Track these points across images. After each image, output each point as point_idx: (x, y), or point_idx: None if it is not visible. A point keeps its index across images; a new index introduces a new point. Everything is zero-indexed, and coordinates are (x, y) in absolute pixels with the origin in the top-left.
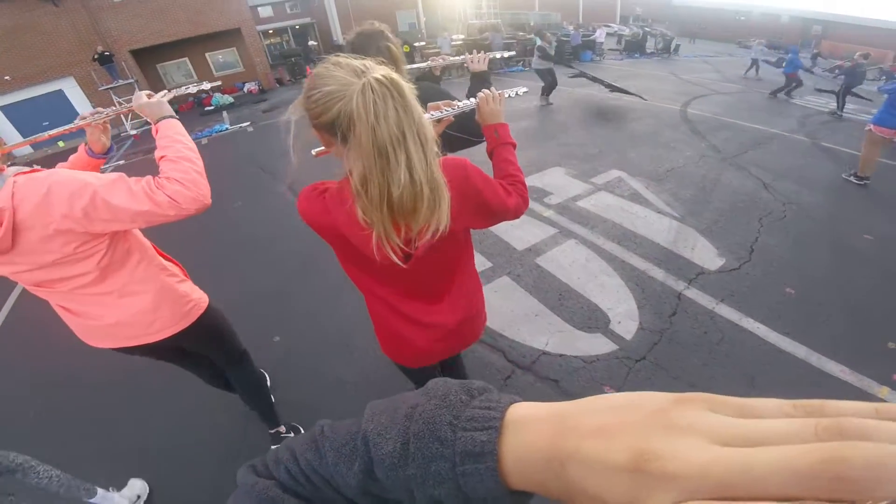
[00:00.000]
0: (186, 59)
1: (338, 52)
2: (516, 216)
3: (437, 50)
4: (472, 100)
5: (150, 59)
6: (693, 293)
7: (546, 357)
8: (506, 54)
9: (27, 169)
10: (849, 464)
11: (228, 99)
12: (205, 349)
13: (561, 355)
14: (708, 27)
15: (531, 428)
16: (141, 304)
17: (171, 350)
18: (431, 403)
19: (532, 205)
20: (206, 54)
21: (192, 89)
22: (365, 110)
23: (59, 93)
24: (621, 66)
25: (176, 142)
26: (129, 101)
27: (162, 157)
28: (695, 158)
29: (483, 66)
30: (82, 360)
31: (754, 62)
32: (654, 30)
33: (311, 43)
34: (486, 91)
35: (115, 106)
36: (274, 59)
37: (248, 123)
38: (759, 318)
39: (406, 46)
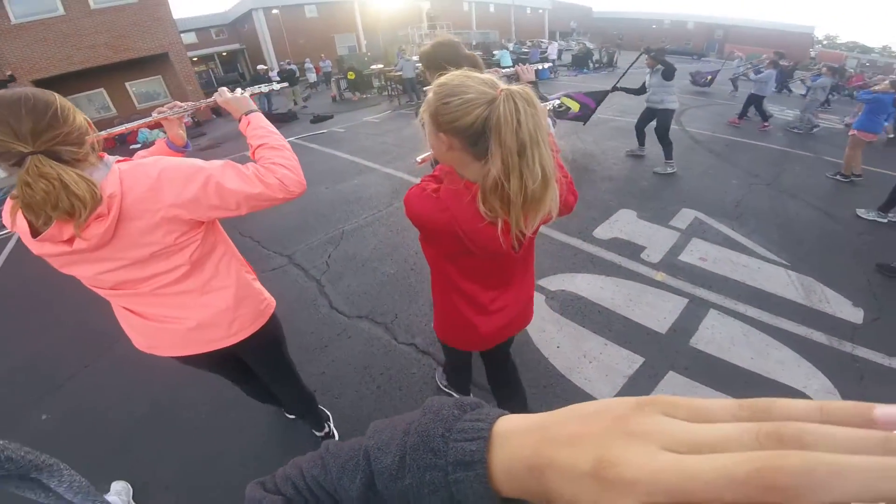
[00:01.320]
0: (102, 89)
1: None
2: (569, 211)
3: (399, 74)
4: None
5: (59, 90)
6: (862, 352)
7: None
8: (545, 65)
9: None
10: (780, 472)
11: (158, 134)
12: (264, 356)
13: None
14: (626, 37)
15: (516, 439)
16: (224, 301)
17: (229, 358)
18: (426, 418)
19: (632, 265)
20: (126, 84)
21: (265, 89)
22: (510, 115)
23: None
24: (575, 81)
25: (272, 132)
26: (209, 95)
27: (261, 144)
28: (745, 188)
29: (532, 77)
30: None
31: (736, 78)
32: (580, 42)
33: (259, 67)
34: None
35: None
36: (203, 87)
37: None
38: None
39: (351, 73)
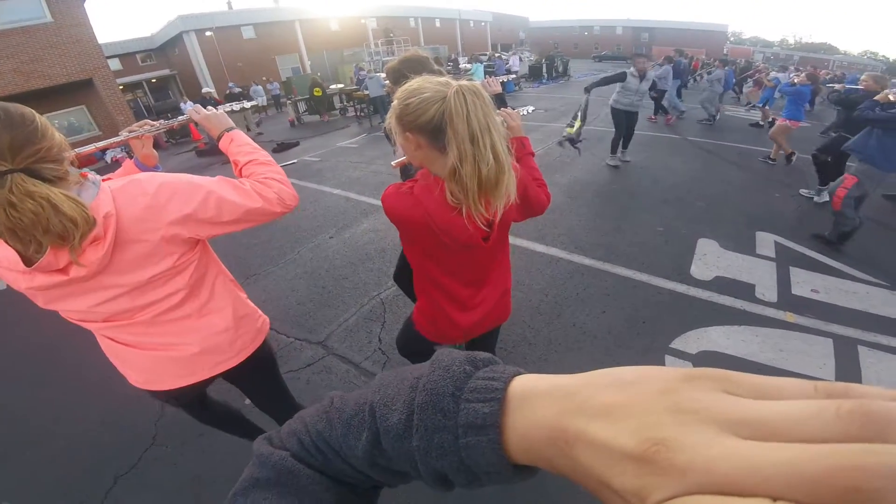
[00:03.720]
0: None
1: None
2: (542, 211)
3: (366, 93)
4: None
5: None
6: None
7: None
8: (508, 78)
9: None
10: (867, 472)
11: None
12: (262, 376)
13: None
14: (561, 45)
15: (536, 402)
16: (224, 321)
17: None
18: (436, 374)
19: (755, 308)
20: (44, 116)
21: (236, 108)
22: (461, 107)
23: None
24: (539, 92)
25: (258, 148)
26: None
27: (250, 161)
28: (791, 203)
29: (498, 88)
30: None
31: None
32: (522, 53)
33: (205, 90)
34: (509, 110)
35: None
36: (136, 117)
37: None
38: None
39: (318, 90)
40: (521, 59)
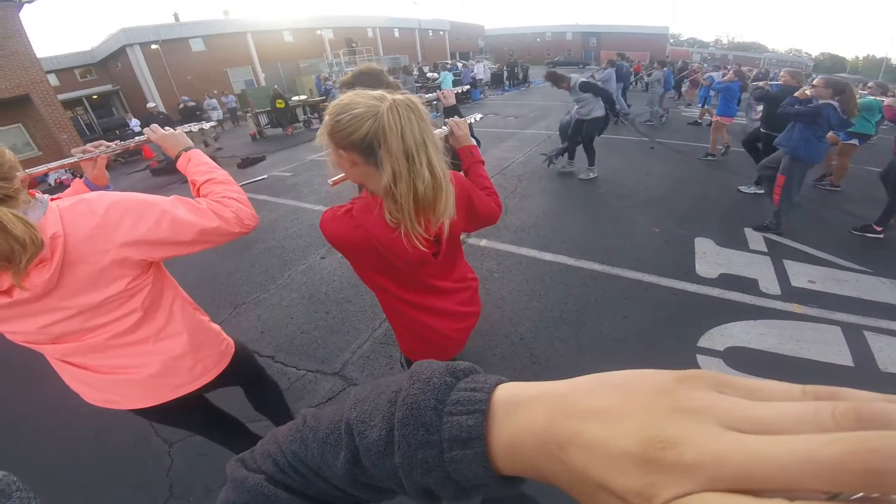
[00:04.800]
0: None
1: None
2: (495, 221)
3: (326, 105)
4: (444, 127)
5: None
6: None
7: None
8: (463, 89)
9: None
10: (879, 455)
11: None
12: (242, 383)
13: None
14: (515, 52)
15: (522, 410)
16: (180, 346)
17: (200, 408)
18: (415, 388)
19: (764, 302)
20: None
21: (195, 128)
22: (394, 123)
23: None
24: (504, 99)
25: (216, 167)
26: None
27: (208, 180)
28: (752, 196)
29: (453, 101)
30: None
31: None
32: (483, 60)
33: (149, 105)
34: (457, 118)
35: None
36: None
37: None
38: None
39: (280, 102)
40: (485, 67)
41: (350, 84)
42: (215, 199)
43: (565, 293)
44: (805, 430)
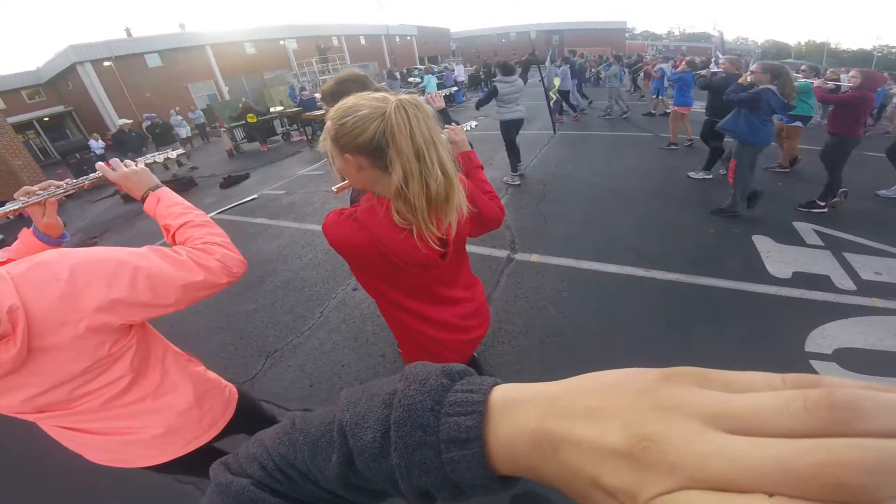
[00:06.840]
0: None
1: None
2: (499, 224)
3: (315, 114)
4: (442, 134)
5: None
6: None
7: None
8: (450, 91)
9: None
10: (852, 468)
11: None
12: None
13: None
14: (482, 53)
15: (518, 411)
16: (183, 401)
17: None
18: (411, 389)
19: (847, 299)
20: None
21: (160, 158)
22: (403, 123)
23: None
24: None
25: (191, 207)
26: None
27: (184, 224)
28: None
29: (442, 104)
30: None
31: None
32: (458, 63)
33: (119, 122)
34: (453, 125)
35: (69, 180)
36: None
37: None
38: None
39: (252, 116)
40: (464, 69)
41: (334, 91)
42: (196, 247)
43: (652, 309)
44: (779, 421)
